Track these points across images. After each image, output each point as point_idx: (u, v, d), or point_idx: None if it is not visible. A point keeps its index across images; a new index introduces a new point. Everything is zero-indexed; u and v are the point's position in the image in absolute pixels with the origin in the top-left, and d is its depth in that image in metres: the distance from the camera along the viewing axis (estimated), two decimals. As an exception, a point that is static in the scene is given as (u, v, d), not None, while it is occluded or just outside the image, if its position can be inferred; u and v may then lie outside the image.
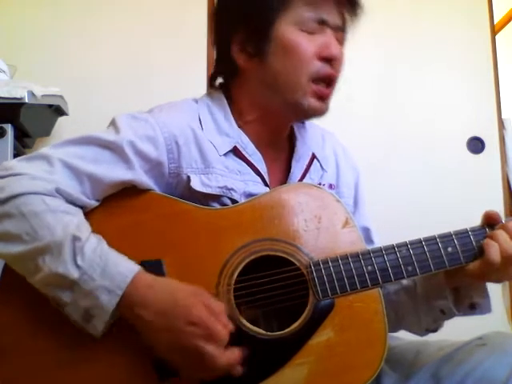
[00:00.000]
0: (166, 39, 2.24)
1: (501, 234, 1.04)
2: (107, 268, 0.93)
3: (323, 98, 1.12)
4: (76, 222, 0.97)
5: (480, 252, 1.05)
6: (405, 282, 1.19)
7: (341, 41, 1.15)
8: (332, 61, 1.11)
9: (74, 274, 0.92)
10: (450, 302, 1.11)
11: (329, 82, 1.12)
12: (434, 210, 2.26)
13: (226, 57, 1.18)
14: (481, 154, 2.40)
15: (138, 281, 0.94)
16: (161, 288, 0.95)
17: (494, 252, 1.02)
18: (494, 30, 2.47)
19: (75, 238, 0.94)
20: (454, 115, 2.41)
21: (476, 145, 2.39)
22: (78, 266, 0.92)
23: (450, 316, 1.13)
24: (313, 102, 1.11)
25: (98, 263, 0.93)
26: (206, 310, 0.92)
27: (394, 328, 1.23)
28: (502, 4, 2.86)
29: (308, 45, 1.10)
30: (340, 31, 1.14)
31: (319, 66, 1.10)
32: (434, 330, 1.18)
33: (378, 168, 2.27)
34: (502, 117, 2.43)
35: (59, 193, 0.99)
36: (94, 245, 0.96)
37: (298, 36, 1.10)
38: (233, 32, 1.15)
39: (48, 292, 0.95)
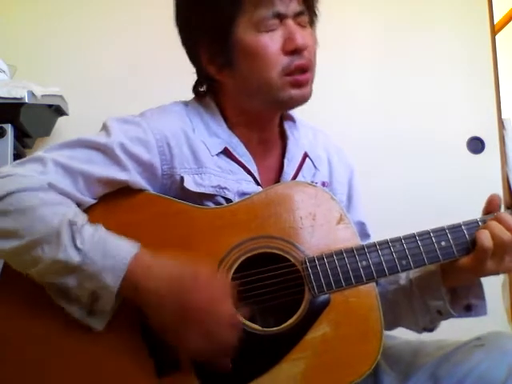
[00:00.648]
0: (167, 39, 2.23)
1: (493, 223, 1.06)
2: (107, 248, 0.95)
3: (301, 85, 1.10)
4: (72, 211, 0.99)
5: (473, 244, 1.05)
6: (402, 282, 1.20)
7: (305, 24, 1.13)
8: (299, 51, 1.09)
9: (76, 258, 0.93)
10: (446, 302, 1.11)
11: (302, 70, 1.10)
12: (433, 210, 2.26)
13: (200, 69, 1.19)
14: (481, 154, 2.39)
15: (140, 257, 0.96)
16: (164, 259, 0.97)
17: (485, 238, 1.03)
18: (494, 30, 2.47)
19: (72, 223, 0.95)
20: (454, 115, 2.40)
21: (476, 145, 2.39)
22: (78, 249, 0.94)
23: (447, 317, 1.13)
24: (292, 92, 1.10)
25: (97, 245, 0.95)
26: (213, 276, 0.96)
27: (392, 326, 1.23)
28: (502, 4, 2.86)
29: (270, 43, 1.08)
30: (302, 15, 1.11)
31: (287, 61, 1.08)
32: (431, 330, 1.19)
33: (377, 168, 2.27)
34: (502, 117, 2.42)
35: (52, 188, 1.00)
36: (92, 229, 0.97)
37: (257, 38, 1.08)
38: (198, 47, 1.15)
39: (51, 280, 0.96)
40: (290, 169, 1.21)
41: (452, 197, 2.31)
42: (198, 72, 1.22)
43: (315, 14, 1.17)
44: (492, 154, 2.39)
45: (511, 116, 2.50)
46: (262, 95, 1.12)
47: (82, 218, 0.99)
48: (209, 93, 1.22)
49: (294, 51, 1.08)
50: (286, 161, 1.21)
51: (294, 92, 1.10)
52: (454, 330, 1.18)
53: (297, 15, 1.10)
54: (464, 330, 1.15)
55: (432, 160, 2.35)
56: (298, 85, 1.10)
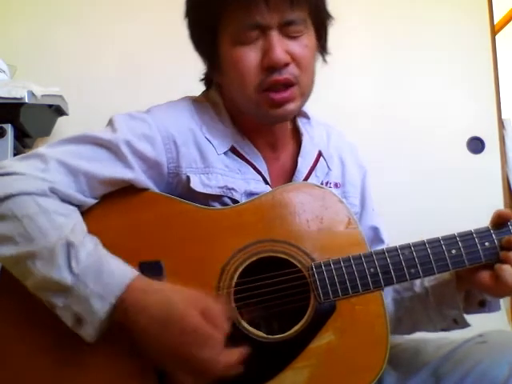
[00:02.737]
0: (167, 39, 2.23)
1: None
2: (102, 274, 0.92)
3: (279, 104, 1.07)
4: (71, 224, 0.96)
5: (485, 255, 1.04)
6: (417, 289, 1.18)
7: (298, 34, 1.06)
8: (276, 67, 1.04)
9: (68, 279, 0.91)
10: (461, 311, 1.10)
11: (283, 85, 1.06)
12: (433, 210, 2.26)
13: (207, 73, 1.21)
14: (481, 154, 2.40)
15: (133, 287, 0.92)
16: (155, 294, 0.93)
17: (509, 276, 1.01)
18: (494, 30, 2.47)
19: (69, 244, 0.92)
20: (454, 115, 2.41)
21: (476, 145, 2.40)
22: (72, 272, 0.91)
23: (463, 326, 1.12)
24: (268, 110, 1.07)
25: (92, 269, 0.92)
26: (201, 317, 0.90)
27: (411, 331, 1.23)
28: (502, 4, 2.86)
29: (248, 57, 1.04)
30: (292, 25, 1.05)
31: (263, 77, 1.05)
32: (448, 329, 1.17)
33: (377, 168, 2.26)
34: (502, 117, 2.43)
35: (54, 192, 0.98)
36: (90, 249, 0.94)
37: (233, 51, 1.05)
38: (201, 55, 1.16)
39: (40, 295, 0.94)
40: (303, 167, 1.19)
41: (452, 197, 2.32)
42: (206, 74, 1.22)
43: (322, 19, 1.12)
44: (492, 154, 2.40)
45: (511, 116, 2.50)
46: (242, 106, 1.12)
47: (80, 233, 0.96)
48: (216, 89, 1.20)
49: (270, 67, 1.04)
50: (300, 159, 1.19)
51: (270, 111, 1.08)
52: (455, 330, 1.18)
53: (285, 25, 1.05)
54: (464, 330, 1.15)
55: (432, 160, 2.35)
56: (275, 104, 1.07)
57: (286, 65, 1.04)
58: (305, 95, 1.11)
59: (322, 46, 1.15)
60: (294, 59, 1.06)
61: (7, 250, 0.93)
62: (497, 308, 1.13)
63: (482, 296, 1.12)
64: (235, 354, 0.91)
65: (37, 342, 0.98)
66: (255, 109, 1.09)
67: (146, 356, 0.94)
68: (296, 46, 1.06)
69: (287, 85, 1.06)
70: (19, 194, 0.95)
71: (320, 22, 1.12)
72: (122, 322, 0.93)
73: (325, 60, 1.17)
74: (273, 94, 1.05)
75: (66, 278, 0.91)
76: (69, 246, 0.92)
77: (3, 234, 0.94)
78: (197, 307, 0.91)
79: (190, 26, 1.14)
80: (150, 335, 0.91)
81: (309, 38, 1.09)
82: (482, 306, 1.13)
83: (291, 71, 1.05)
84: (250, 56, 1.05)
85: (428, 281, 1.16)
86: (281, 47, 1.04)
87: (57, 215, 0.95)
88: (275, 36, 1.04)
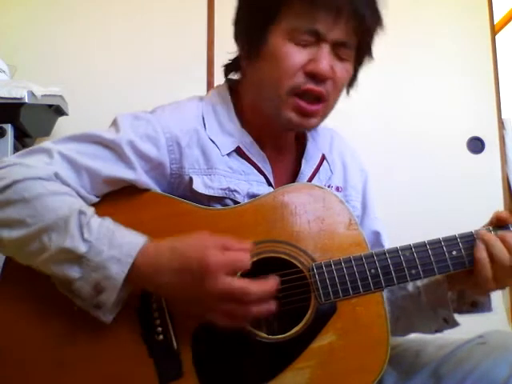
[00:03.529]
0: (166, 39, 2.24)
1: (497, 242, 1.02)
2: (114, 239, 0.93)
3: (305, 114, 1.07)
4: (80, 202, 0.98)
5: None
6: (410, 289, 1.18)
7: (346, 58, 1.08)
8: (318, 77, 1.05)
9: (82, 248, 0.91)
10: (451, 311, 1.11)
11: (314, 97, 1.07)
12: (433, 210, 2.26)
13: (236, 59, 1.20)
14: (481, 154, 2.40)
15: (146, 249, 0.94)
16: (169, 249, 0.93)
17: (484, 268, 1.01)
18: (494, 30, 2.48)
19: (81, 213, 0.94)
20: (454, 115, 2.41)
21: (476, 145, 2.40)
22: (85, 240, 0.92)
23: (453, 325, 1.12)
24: (292, 116, 1.07)
25: (104, 235, 0.93)
26: (219, 251, 0.90)
27: (407, 332, 1.23)
28: (502, 4, 2.86)
29: (295, 56, 1.05)
30: (344, 47, 1.07)
31: (302, 81, 1.05)
32: (442, 330, 1.17)
33: (377, 168, 2.26)
34: (502, 117, 2.44)
35: (58, 178, 0.99)
36: (99, 220, 0.96)
37: (284, 45, 1.05)
38: (241, 38, 1.15)
39: (55, 270, 0.94)
40: (307, 169, 1.19)
41: (452, 197, 2.32)
42: (234, 60, 1.21)
43: (365, 55, 1.14)
44: (492, 154, 2.41)
45: (511, 116, 2.50)
46: (265, 102, 1.11)
47: (89, 208, 0.98)
48: (230, 83, 1.20)
49: (312, 74, 1.05)
50: (303, 160, 1.19)
51: (293, 117, 1.08)
52: (454, 330, 1.18)
53: (338, 45, 1.06)
54: (464, 330, 1.15)
55: (432, 160, 2.36)
56: (301, 112, 1.07)
57: (326, 79, 1.06)
58: (325, 115, 1.13)
59: (351, 79, 1.17)
60: (334, 78, 1.07)
61: (18, 232, 0.94)
62: (489, 309, 1.13)
63: (474, 297, 1.13)
64: (270, 281, 0.92)
65: (40, 335, 0.98)
66: (277, 109, 1.08)
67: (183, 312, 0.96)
68: (340, 67, 1.07)
69: (319, 98, 1.07)
70: (25, 179, 0.96)
71: (362, 57, 1.14)
72: (140, 286, 0.95)
73: (347, 92, 1.19)
74: (302, 102, 1.06)
75: (80, 246, 0.92)
76: (80, 216, 0.94)
77: (12, 218, 0.94)
78: (211, 245, 0.92)
79: (246, 4, 1.13)
80: (175, 289, 0.92)
81: (350, 66, 1.11)
82: (473, 307, 1.14)
83: (327, 87, 1.07)
84: (297, 57, 1.05)
85: (420, 281, 1.15)
86: (328, 61, 1.05)
87: (66, 195, 0.97)
88: (327, 49, 1.05)
